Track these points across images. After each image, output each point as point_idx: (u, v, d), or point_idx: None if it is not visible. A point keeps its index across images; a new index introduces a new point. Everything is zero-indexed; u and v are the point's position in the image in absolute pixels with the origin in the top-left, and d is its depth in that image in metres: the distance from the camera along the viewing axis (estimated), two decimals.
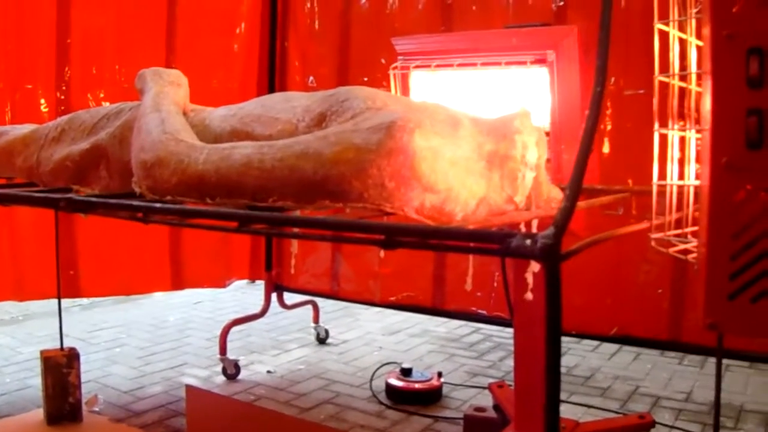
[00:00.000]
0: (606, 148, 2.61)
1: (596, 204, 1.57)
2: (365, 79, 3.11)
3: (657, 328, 2.52)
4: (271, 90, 3.33)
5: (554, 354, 0.78)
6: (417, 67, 2.06)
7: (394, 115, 1.25)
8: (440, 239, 0.93)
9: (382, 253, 1.78)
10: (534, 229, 1.55)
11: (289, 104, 1.49)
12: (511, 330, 3.43)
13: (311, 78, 3.31)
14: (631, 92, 2.53)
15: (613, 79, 2.51)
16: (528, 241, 0.79)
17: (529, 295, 1.59)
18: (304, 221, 1.09)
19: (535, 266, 1.54)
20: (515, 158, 1.38)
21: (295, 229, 1.27)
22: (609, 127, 2.59)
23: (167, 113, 1.53)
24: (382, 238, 0.96)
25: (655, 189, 1.29)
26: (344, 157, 1.22)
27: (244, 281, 4.38)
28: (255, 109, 1.53)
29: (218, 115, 1.61)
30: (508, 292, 2.40)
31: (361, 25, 3.16)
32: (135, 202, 1.33)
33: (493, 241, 0.84)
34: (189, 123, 1.60)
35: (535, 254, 0.78)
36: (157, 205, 1.29)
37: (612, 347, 3.33)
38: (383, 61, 3.05)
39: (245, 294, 4.48)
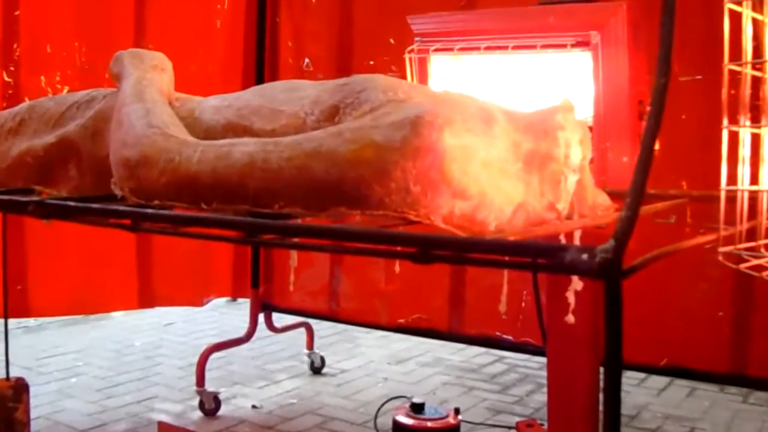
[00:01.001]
0: (655, 145, 2.66)
1: (651, 211, 1.61)
2: (371, 62, 3.16)
3: (716, 359, 2.55)
4: (259, 75, 3.38)
5: (614, 392, 0.81)
6: (437, 50, 2.10)
7: (419, 109, 1.28)
8: (482, 252, 0.97)
9: (397, 267, 1.82)
10: (576, 241, 1.59)
11: (295, 94, 1.53)
12: (541, 359, 3.50)
13: (306, 60, 3.36)
14: (687, 78, 2.58)
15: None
16: (585, 256, 0.83)
17: (570, 318, 1.63)
18: (327, 232, 1.13)
19: (577, 284, 1.59)
20: (558, 159, 1.42)
21: (296, 239, 1.31)
22: None
23: (152, 103, 1.57)
24: (414, 251, 1.01)
25: (723, 195, 1.33)
26: (363, 157, 1.25)
27: (225, 299, 4.43)
28: (254, 100, 1.57)
29: (210, 106, 1.65)
30: (541, 314, 2.44)
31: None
32: (121, 207, 1.37)
33: (543, 255, 0.88)
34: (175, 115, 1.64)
35: (593, 270, 0.82)
36: (149, 210, 1.33)
37: (662, 381, 3.37)
38: (392, 41, 3.10)
39: (225, 314, 4.52)
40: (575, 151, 1.48)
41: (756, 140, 1.43)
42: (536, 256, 0.90)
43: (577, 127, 1.49)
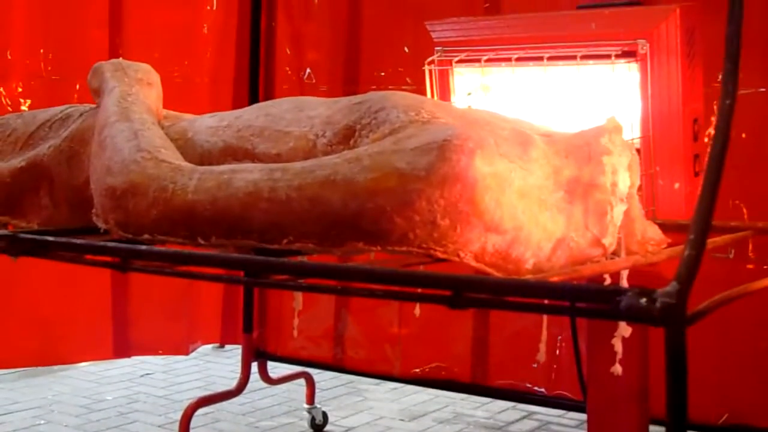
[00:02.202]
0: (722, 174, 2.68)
1: (709, 246, 1.64)
2: (382, 73, 3.21)
3: None
4: (253, 86, 3.42)
5: None
6: (461, 61, 2.14)
7: (447, 131, 1.32)
8: (525, 296, 1.00)
9: (417, 310, 1.85)
10: (623, 281, 1.61)
11: (303, 114, 1.57)
12: (578, 416, 3.51)
13: (308, 70, 3.41)
14: (747, 91, 2.61)
15: (720, 76, 2.58)
16: (643, 300, 0.86)
17: (617, 369, 1.66)
18: (350, 272, 1.16)
19: (625, 330, 1.61)
20: (603, 187, 1.45)
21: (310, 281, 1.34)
22: None
23: (141, 123, 1.61)
24: (448, 295, 1.04)
25: None
26: (383, 186, 1.29)
27: (212, 346, 4.45)
28: (256, 120, 1.61)
29: (205, 127, 1.68)
30: (581, 364, 2.47)
31: (376, 0, 3.25)
32: (110, 244, 1.40)
33: (596, 300, 0.91)
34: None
35: (653, 317, 0.85)
36: (142, 247, 1.36)
37: None
38: (407, 50, 3.14)
39: (212, 363, 4.53)
40: (623, 178, 1.51)
41: None
42: (587, 300, 0.93)
43: (624, 150, 1.53)
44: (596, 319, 1.17)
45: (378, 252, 1.34)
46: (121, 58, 1.94)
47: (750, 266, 2.54)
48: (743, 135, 2.64)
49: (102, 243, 1.42)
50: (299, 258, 1.41)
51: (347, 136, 1.48)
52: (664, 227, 1.73)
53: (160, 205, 1.43)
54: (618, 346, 1.64)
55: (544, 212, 1.40)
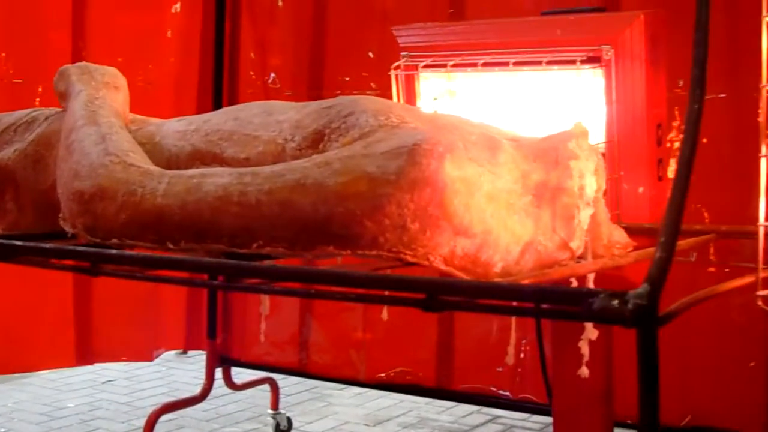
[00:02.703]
0: (671, 173, 2.72)
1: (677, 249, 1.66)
2: (347, 78, 3.21)
3: (747, 417, 2.59)
4: (217, 91, 3.41)
5: None
6: (427, 66, 2.15)
7: (417, 136, 1.33)
8: (499, 299, 1.01)
9: (385, 313, 1.85)
10: (590, 284, 1.63)
11: (272, 118, 1.57)
12: (542, 419, 3.53)
13: (272, 75, 3.40)
14: (708, 97, 2.63)
15: (681, 81, 2.61)
16: (615, 302, 0.87)
17: (584, 371, 1.67)
18: (325, 276, 1.16)
19: (592, 333, 1.63)
20: (571, 191, 1.47)
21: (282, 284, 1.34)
22: (676, 145, 2.69)
23: (108, 127, 1.61)
24: (422, 298, 1.04)
25: (762, 232, 1.38)
26: (354, 190, 1.29)
27: (174, 352, 4.42)
28: (225, 124, 1.61)
29: (173, 131, 1.68)
30: (546, 367, 2.49)
31: (341, 5, 3.26)
32: (80, 248, 1.40)
33: (571, 302, 0.92)
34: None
35: (625, 318, 0.86)
36: (113, 251, 1.36)
37: None
38: (371, 55, 3.15)
39: (174, 369, 4.51)
40: (589, 182, 1.53)
41: None
42: (560, 302, 0.94)
43: (591, 155, 1.55)
44: (569, 320, 1.18)
45: (348, 256, 1.34)
46: (87, 62, 1.92)
47: (711, 269, 2.57)
48: (704, 140, 2.66)
49: (71, 247, 1.41)
50: (266, 262, 1.41)
51: (316, 141, 1.49)
52: (629, 231, 1.75)
53: (129, 209, 1.43)
54: (585, 349, 1.65)
55: (513, 216, 1.41)
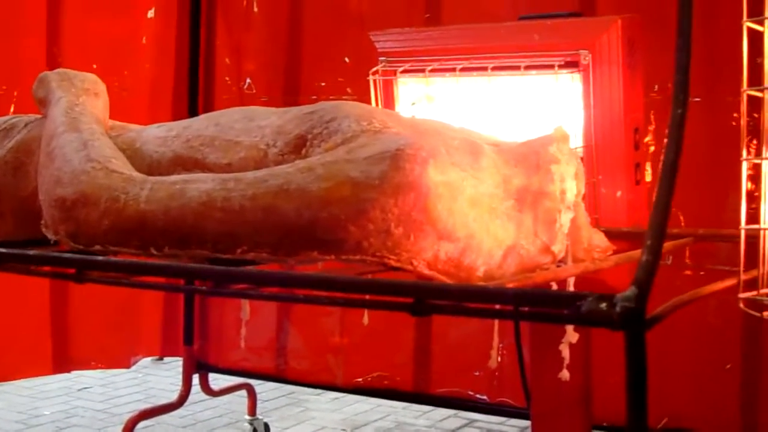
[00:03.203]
0: (648, 176, 2.73)
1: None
2: (322, 84, 3.21)
3: (724, 420, 2.61)
4: (193, 96, 3.40)
5: None
6: (406, 71, 2.16)
7: (399, 141, 1.34)
8: (487, 302, 1.02)
9: (366, 318, 1.85)
10: (570, 287, 1.64)
11: (254, 123, 1.57)
12: (521, 422, 3.55)
13: (248, 80, 3.40)
14: None
15: (657, 86, 2.63)
16: (603, 305, 0.88)
17: (565, 374, 1.68)
18: (309, 280, 1.16)
19: (572, 336, 1.64)
20: (553, 195, 1.48)
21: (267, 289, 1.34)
22: (651, 149, 2.71)
23: (90, 133, 1.60)
24: (410, 302, 1.05)
25: (744, 235, 1.39)
26: (337, 195, 1.30)
27: (149, 358, 4.40)
28: (206, 129, 1.61)
29: (153, 137, 1.68)
30: (524, 371, 2.49)
31: (317, 11, 3.26)
32: (66, 254, 1.39)
33: (559, 305, 0.93)
34: None
35: (613, 321, 0.87)
36: (98, 258, 1.36)
37: None
38: (347, 60, 3.15)
39: (150, 375, 4.50)
40: (570, 186, 1.54)
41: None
42: (549, 305, 0.95)
43: (571, 159, 1.56)
44: (556, 323, 1.19)
45: (332, 261, 1.35)
46: (66, 69, 1.91)
47: (688, 272, 2.59)
48: None
49: (57, 254, 1.41)
50: (249, 268, 1.41)
51: (299, 146, 1.49)
52: (608, 235, 1.76)
53: (112, 215, 1.43)
54: (565, 352, 1.66)
55: (495, 220, 1.42)
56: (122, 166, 1.53)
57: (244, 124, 1.58)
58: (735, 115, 2.60)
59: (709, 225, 2.43)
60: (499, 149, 1.53)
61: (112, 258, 1.38)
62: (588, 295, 0.91)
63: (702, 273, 2.61)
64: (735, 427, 2.58)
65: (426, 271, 1.35)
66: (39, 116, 1.84)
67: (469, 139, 1.50)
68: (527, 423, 3.60)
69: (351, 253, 1.32)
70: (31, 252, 1.46)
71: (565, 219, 1.52)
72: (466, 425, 3.77)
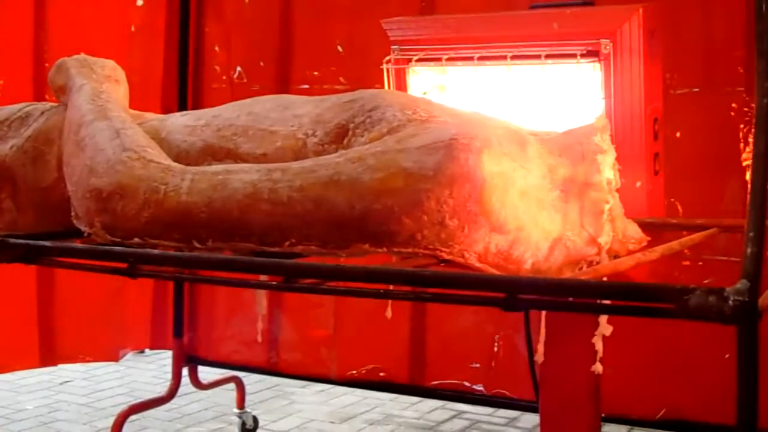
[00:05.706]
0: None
1: (682, 246, 1.65)
2: (315, 73, 3.17)
3: (723, 410, 2.60)
4: (183, 86, 3.34)
5: None
6: (421, 60, 2.12)
7: (451, 130, 1.31)
8: (584, 296, 0.99)
9: (389, 312, 1.81)
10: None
11: (289, 112, 1.53)
12: (509, 413, 3.54)
13: (238, 69, 3.34)
14: (682, 91, 2.64)
15: (668, 75, 2.60)
16: (713, 299, 0.86)
17: (598, 367, 1.66)
18: (392, 275, 1.12)
19: (606, 328, 1.61)
20: (599, 186, 1.46)
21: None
22: None
23: (121, 122, 1.55)
24: (502, 297, 1.02)
25: None
26: (390, 187, 1.27)
27: (131, 351, 4.35)
28: (238, 119, 1.56)
29: (179, 125, 1.63)
30: (533, 364, 2.48)
31: None
32: (117, 249, 1.34)
33: (664, 299, 0.90)
34: None
35: (725, 315, 0.85)
36: (155, 252, 1.31)
37: None
38: (341, 48, 3.12)
39: (132, 368, 4.43)
40: (611, 176, 1.52)
41: None
42: (652, 300, 0.92)
43: (611, 149, 1.54)
44: (658, 318, 1.16)
45: (383, 254, 1.31)
46: (84, 54, 1.86)
47: (687, 263, 2.59)
48: (677, 134, 2.68)
49: (107, 247, 1.36)
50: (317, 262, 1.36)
51: (340, 135, 1.45)
52: None
53: (152, 207, 1.39)
54: (599, 345, 1.64)
55: (542, 212, 1.40)
56: (158, 155, 1.48)
57: (279, 113, 1.54)
58: (733, 105, 2.60)
59: (708, 215, 2.42)
60: (540, 139, 1.50)
61: (170, 252, 1.34)
62: (695, 289, 0.88)
63: (700, 263, 2.61)
64: (733, 417, 2.57)
65: (477, 264, 1.32)
66: (55, 104, 1.78)
67: (511, 129, 1.47)
68: (516, 414, 3.63)
69: (403, 246, 1.29)
70: (79, 245, 1.41)
71: (614, 210, 1.50)
72: (454, 417, 3.75)
